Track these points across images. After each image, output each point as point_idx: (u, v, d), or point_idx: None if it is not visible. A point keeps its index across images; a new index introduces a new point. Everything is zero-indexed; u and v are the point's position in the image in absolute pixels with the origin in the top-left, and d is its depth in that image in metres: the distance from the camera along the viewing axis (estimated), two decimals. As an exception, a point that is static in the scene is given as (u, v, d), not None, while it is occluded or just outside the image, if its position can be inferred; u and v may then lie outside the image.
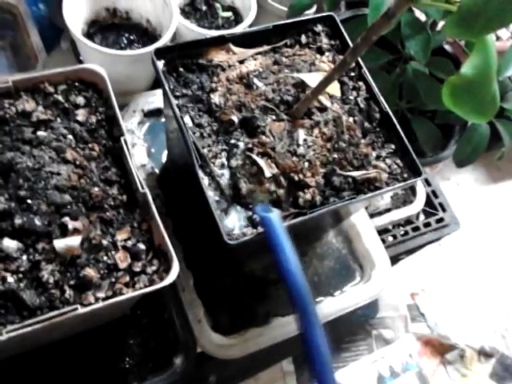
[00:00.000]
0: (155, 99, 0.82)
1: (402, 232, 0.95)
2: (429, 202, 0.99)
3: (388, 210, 0.96)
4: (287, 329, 0.67)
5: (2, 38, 0.82)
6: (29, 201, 0.46)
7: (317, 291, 0.74)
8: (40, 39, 0.78)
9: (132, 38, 0.81)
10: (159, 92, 0.83)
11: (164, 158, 0.78)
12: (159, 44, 0.73)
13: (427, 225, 0.97)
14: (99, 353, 0.65)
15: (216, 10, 0.84)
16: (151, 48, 0.72)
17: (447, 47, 1.01)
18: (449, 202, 1.01)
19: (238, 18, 0.84)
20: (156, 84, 0.83)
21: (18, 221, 0.44)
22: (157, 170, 0.76)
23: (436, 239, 1.00)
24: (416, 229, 0.96)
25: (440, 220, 0.98)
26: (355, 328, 0.88)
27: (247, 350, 0.66)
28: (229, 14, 0.83)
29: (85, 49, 0.71)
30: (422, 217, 1.01)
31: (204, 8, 0.84)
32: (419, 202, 0.96)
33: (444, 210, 0.99)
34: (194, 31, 0.76)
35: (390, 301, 1.12)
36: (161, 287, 0.47)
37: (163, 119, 0.81)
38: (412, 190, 1.00)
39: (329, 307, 0.71)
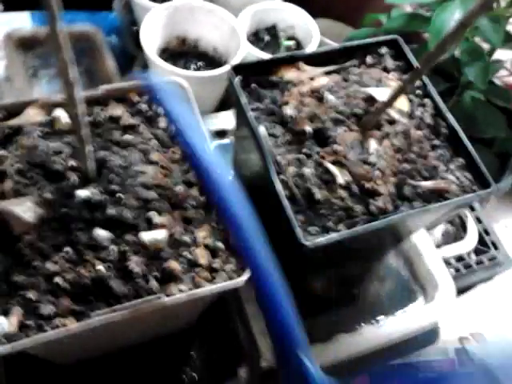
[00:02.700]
0: (218, 121, 0.86)
1: (454, 270, 0.93)
2: (480, 240, 0.98)
3: (438, 247, 0.95)
4: (351, 345, 0.67)
5: (79, 64, 0.88)
6: (119, 194, 0.48)
7: (376, 312, 0.73)
8: (115, 64, 0.83)
9: (199, 64, 0.86)
10: (223, 114, 0.87)
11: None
12: (227, 68, 0.77)
13: (479, 262, 0.95)
14: (163, 364, 0.66)
15: (278, 40, 0.89)
16: (221, 70, 0.76)
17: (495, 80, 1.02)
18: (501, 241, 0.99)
19: (299, 48, 0.88)
20: (220, 107, 0.87)
21: (110, 211, 0.47)
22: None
23: (488, 278, 0.98)
24: (468, 266, 0.94)
25: (492, 258, 0.96)
26: (423, 351, 0.86)
27: (311, 364, 0.65)
28: (291, 43, 0.88)
29: (159, 72, 0.76)
30: (472, 255, 0.99)
31: (267, 38, 0.89)
32: (472, 239, 0.94)
33: (496, 247, 0.97)
34: (259, 58, 0.80)
35: (437, 343, 1.09)
36: (239, 283, 0.48)
37: (226, 140, 0.84)
38: (463, 227, 1.00)
39: (391, 327, 0.70)
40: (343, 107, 0.60)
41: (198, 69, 0.85)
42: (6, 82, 0.84)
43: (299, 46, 0.89)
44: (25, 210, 0.46)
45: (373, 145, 0.57)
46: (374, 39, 0.69)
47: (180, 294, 0.46)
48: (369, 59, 0.67)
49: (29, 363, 0.59)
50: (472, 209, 1.02)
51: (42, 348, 0.46)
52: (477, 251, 0.98)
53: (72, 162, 0.49)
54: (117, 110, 0.55)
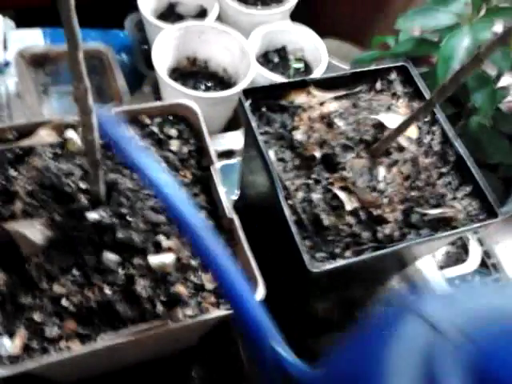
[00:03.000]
0: (226, 141, 0.86)
1: (457, 292, 0.93)
2: (482, 262, 0.97)
3: (440, 268, 0.95)
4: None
5: (89, 82, 0.89)
6: (129, 218, 0.48)
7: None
8: (125, 83, 0.84)
9: (209, 85, 0.86)
10: (230, 135, 0.88)
11: (233, 197, 0.80)
12: (237, 90, 0.77)
13: None
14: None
15: (287, 62, 0.89)
16: (231, 92, 0.77)
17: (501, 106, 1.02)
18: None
19: (308, 70, 0.89)
20: (228, 127, 0.88)
21: (119, 235, 0.47)
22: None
23: None
24: None
25: (496, 280, 0.96)
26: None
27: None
28: (300, 65, 0.88)
29: (170, 91, 0.77)
30: (476, 277, 0.99)
31: (276, 60, 0.90)
32: (474, 261, 0.94)
33: (497, 270, 0.97)
34: (268, 79, 0.81)
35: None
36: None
37: (233, 160, 0.85)
38: (464, 249, 0.99)
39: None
40: (353, 133, 0.60)
41: (208, 89, 0.86)
42: (17, 98, 0.85)
43: (308, 67, 0.90)
44: (34, 231, 0.46)
45: (382, 172, 0.58)
46: (383, 66, 0.69)
47: (186, 319, 0.46)
48: (378, 85, 0.68)
49: (29, 381, 0.59)
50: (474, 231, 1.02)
51: (44, 368, 0.46)
52: (479, 273, 0.98)
53: (82, 185, 0.50)
54: (128, 132, 0.56)
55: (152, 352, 0.60)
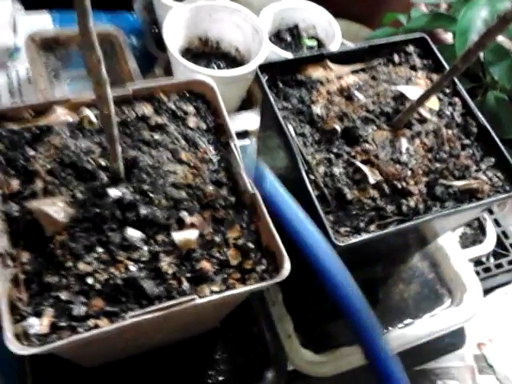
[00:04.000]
0: (240, 122, 0.85)
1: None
2: (499, 243, 0.96)
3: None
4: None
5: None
6: (151, 194, 0.48)
7: (405, 314, 0.72)
8: (137, 65, 0.83)
9: (221, 65, 0.85)
10: (243, 115, 0.86)
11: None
12: (251, 67, 0.76)
13: (499, 266, 0.94)
14: (188, 367, 0.65)
15: (299, 40, 0.88)
16: (245, 69, 0.76)
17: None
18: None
19: (320, 48, 0.87)
20: (241, 107, 0.87)
21: (143, 211, 0.46)
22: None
23: (508, 282, 0.96)
24: (487, 270, 0.93)
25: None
26: (442, 358, 0.85)
27: (339, 369, 0.64)
28: (314, 43, 0.87)
29: (182, 71, 0.76)
30: (491, 258, 0.98)
31: (289, 38, 0.88)
32: (490, 242, 0.93)
33: (514, 250, 0.96)
34: (281, 57, 0.79)
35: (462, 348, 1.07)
36: (272, 283, 0.47)
37: (247, 141, 0.84)
38: (481, 230, 0.98)
39: (419, 329, 0.69)
40: (373, 106, 0.59)
41: (220, 69, 0.84)
42: (28, 83, 0.84)
43: (320, 45, 0.88)
44: (57, 209, 0.45)
45: (404, 144, 0.57)
46: (400, 37, 0.68)
47: (213, 295, 0.45)
48: (396, 58, 0.66)
49: (53, 364, 0.59)
50: (490, 212, 1.01)
51: (73, 348, 0.45)
52: (495, 254, 0.97)
53: (102, 162, 0.49)
54: (145, 110, 0.55)
55: (176, 333, 0.59)
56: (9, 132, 0.50)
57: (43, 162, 0.49)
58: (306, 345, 0.65)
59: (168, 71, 0.85)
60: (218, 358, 0.66)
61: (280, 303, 0.67)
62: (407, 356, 0.70)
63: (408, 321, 0.71)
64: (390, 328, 0.69)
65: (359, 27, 1.23)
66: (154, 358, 0.63)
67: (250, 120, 0.83)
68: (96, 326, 0.43)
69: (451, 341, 0.76)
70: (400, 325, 0.70)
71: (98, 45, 0.38)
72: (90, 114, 0.53)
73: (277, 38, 0.87)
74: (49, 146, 0.50)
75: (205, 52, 0.86)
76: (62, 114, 0.54)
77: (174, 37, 0.78)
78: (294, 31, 0.89)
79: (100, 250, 0.45)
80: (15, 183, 0.48)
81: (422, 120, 0.59)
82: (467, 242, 0.98)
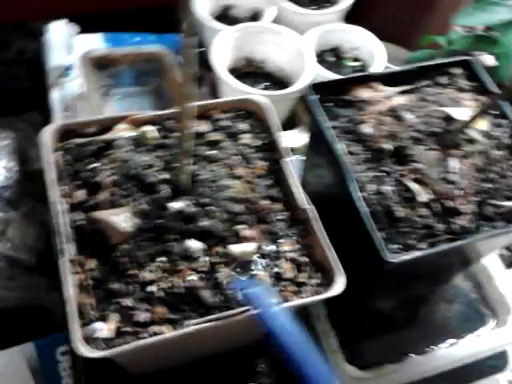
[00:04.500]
0: (284, 140, 0.87)
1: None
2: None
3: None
4: (424, 368, 0.66)
5: (148, 84, 0.91)
6: (210, 207, 0.50)
7: (446, 334, 0.72)
8: (184, 84, 0.86)
9: (265, 84, 0.88)
10: (287, 133, 0.88)
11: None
12: (296, 88, 0.78)
13: None
14: (231, 378, 0.66)
15: (342, 62, 0.90)
16: (291, 90, 0.78)
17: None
18: None
19: (363, 69, 0.89)
20: (284, 126, 0.88)
21: (203, 223, 0.48)
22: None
23: None
24: None
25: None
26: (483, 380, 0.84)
27: (383, 386, 0.64)
28: (357, 63, 0.89)
29: (229, 91, 0.78)
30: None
31: (331, 59, 0.90)
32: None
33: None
34: (325, 78, 0.81)
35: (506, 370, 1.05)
36: (327, 297, 0.48)
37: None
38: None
39: (464, 349, 0.69)
40: (422, 126, 0.60)
41: (265, 89, 0.87)
42: (80, 100, 0.88)
43: (363, 66, 0.90)
44: (122, 220, 0.48)
45: (454, 163, 0.57)
46: (446, 60, 0.69)
47: (269, 306, 0.47)
48: (443, 79, 0.68)
49: (105, 372, 0.61)
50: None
51: (133, 354, 0.47)
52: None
53: (163, 175, 0.51)
54: (202, 127, 0.57)
55: (225, 343, 0.61)
56: (76, 145, 0.53)
57: (108, 174, 0.51)
58: (350, 361, 0.66)
59: (213, 89, 0.88)
60: (260, 370, 0.67)
61: (324, 318, 0.68)
62: (448, 377, 0.70)
63: (452, 341, 0.71)
64: (433, 347, 0.69)
65: (396, 48, 1.25)
66: (199, 367, 0.64)
67: (293, 138, 0.85)
68: (158, 333, 0.44)
69: (494, 363, 0.75)
70: (443, 344, 0.70)
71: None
72: (150, 129, 0.56)
73: (319, 58, 0.89)
74: (113, 159, 0.52)
75: (249, 72, 0.88)
76: (123, 129, 0.57)
77: (222, 58, 0.81)
78: (337, 52, 0.91)
79: (163, 259, 0.47)
80: (81, 193, 0.51)
81: (471, 140, 0.60)
82: (503, 263, 0.98)
